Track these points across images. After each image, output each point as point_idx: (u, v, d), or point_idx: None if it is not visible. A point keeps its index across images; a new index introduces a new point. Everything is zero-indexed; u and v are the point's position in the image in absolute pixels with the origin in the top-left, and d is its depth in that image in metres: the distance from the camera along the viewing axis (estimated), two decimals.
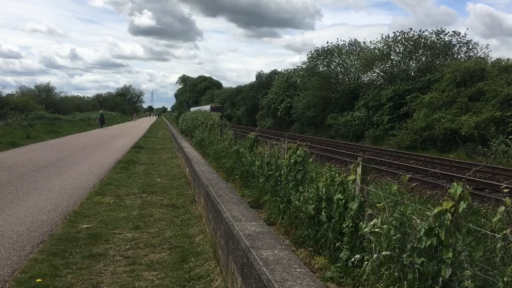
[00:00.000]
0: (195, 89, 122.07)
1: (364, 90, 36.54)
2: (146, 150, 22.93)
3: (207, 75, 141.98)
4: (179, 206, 9.47)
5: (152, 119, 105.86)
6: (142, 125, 61.96)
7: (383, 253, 3.40)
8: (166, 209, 9.18)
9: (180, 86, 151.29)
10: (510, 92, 22.25)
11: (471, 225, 2.88)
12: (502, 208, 2.69)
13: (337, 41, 43.70)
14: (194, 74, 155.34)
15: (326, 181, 5.15)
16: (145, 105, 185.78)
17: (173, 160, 18.59)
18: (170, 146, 25.68)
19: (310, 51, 46.18)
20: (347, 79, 43.62)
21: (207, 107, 74.35)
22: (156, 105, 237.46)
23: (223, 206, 6.05)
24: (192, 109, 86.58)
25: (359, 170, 4.40)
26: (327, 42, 46.10)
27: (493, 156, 19.90)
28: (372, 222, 3.70)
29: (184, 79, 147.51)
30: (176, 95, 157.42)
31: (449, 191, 2.93)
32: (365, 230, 3.80)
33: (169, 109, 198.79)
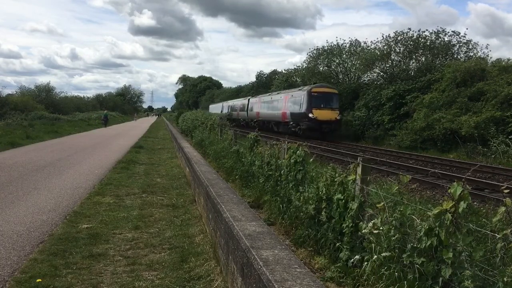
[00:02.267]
0: (195, 89, 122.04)
1: (364, 90, 36.52)
2: (146, 150, 22.93)
3: (207, 75, 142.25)
4: (179, 206, 9.47)
5: (151, 119, 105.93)
6: (142, 125, 62.01)
7: (383, 254, 3.39)
8: (166, 209, 9.18)
9: (180, 86, 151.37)
10: (510, 92, 22.23)
11: (471, 225, 2.88)
12: (503, 208, 2.69)
13: (337, 40, 43.75)
14: (194, 74, 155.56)
15: (326, 181, 5.15)
16: (145, 105, 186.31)
17: (173, 160, 18.59)
18: (170, 146, 25.69)
19: (310, 49, 46.19)
20: (347, 79, 43.60)
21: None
22: (156, 105, 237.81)
23: (223, 206, 6.05)
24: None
25: (359, 170, 4.40)
26: (327, 41, 46.13)
27: (493, 156, 19.87)
28: (371, 223, 3.70)
29: (184, 79, 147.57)
30: (176, 95, 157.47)
31: (449, 191, 2.93)
32: (365, 230, 3.79)
33: (169, 109, 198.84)
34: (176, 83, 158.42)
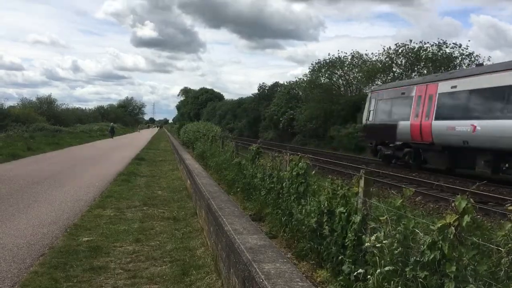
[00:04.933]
0: (197, 101, 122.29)
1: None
2: (147, 162, 22.93)
3: (209, 87, 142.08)
4: (180, 219, 9.44)
5: (152, 131, 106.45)
6: (143, 137, 62.16)
7: (387, 268, 3.36)
8: (167, 222, 9.15)
9: (182, 98, 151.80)
10: None
11: (474, 238, 2.85)
12: (509, 224, 2.66)
13: (339, 53, 43.85)
14: (196, 86, 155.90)
15: (328, 194, 5.12)
16: (146, 117, 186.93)
17: (174, 172, 18.57)
18: (171, 158, 25.68)
19: (312, 64, 46.25)
20: (349, 91, 43.74)
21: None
22: (158, 117, 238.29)
23: (224, 219, 6.02)
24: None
25: (361, 182, 4.37)
26: (329, 54, 46.04)
27: None
28: (374, 236, 3.67)
29: (186, 91, 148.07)
30: (178, 107, 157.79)
31: (452, 204, 2.90)
32: (367, 244, 3.76)
33: (170, 121, 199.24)
34: (178, 95, 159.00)
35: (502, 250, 2.65)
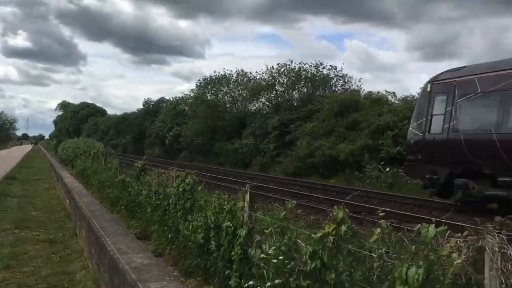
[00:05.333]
0: (77, 116, 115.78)
1: (251, 119, 37.64)
2: (20, 181, 21.15)
3: (90, 101, 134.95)
4: (58, 241, 8.85)
5: (26, 147, 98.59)
6: (15, 154, 57.17)
7: (273, 279, 3.45)
8: (42, 245, 8.51)
9: (60, 113, 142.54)
10: (380, 122, 24.42)
11: (350, 246, 3.06)
12: (378, 229, 2.90)
13: (224, 70, 44.50)
14: (76, 100, 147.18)
15: (215, 209, 5.15)
16: (19, 133, 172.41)
17: (51, 191, 17.36)
18: (47, 177, 23.97)
19: (199, 80, 46.45)
20: (234, 108, 44.63)
21: None
22: (32, 133, 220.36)
23: (107, 239, 5.77)
24: None
25: (247, 197, 4.47)
26: (215, 72, 46.48)
27: (368, 181, 21.51)
28: (259, 249, 3.76)
29: (64, 105, 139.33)
30: (56, 122, 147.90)
31: (330, 214, 3.10)
32: (253, 256, 3.84)
33: (47, 137, 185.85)
34: (55, 110, 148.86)
35: (374, 255, 2.88)
